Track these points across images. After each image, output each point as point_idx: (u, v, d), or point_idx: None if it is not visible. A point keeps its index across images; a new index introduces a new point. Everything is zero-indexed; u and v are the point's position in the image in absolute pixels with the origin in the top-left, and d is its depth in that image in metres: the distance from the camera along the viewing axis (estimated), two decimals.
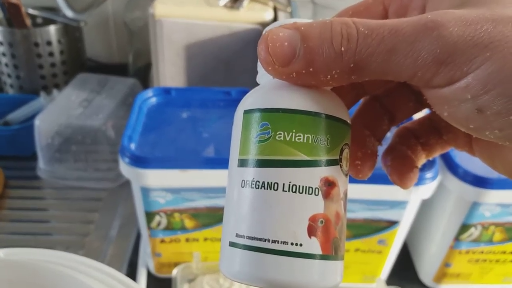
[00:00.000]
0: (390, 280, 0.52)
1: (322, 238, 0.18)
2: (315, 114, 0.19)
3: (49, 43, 0.70)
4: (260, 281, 0.18)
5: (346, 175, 0.20)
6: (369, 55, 0.17)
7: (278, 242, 0.18)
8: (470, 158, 0.45)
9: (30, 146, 0.65)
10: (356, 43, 0.17)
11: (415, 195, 0.42)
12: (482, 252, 0.48)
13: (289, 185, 0.18)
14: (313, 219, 0.18)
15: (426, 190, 0.42)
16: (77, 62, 0.76)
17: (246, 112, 0.20)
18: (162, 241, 0.47)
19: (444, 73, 0.17)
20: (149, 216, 0.45)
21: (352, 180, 0.41)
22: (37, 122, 0.60)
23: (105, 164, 0.63)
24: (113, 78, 0.69)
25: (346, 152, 0.20)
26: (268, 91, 0.21)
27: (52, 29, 0.70)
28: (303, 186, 0.18)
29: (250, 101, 0.21)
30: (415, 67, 0.17)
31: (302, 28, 0.18)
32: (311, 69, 0.18)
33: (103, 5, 0.78)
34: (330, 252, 0.18)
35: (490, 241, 0.47)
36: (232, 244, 0.19)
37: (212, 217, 0.45)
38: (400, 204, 0.43)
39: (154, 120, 0.48)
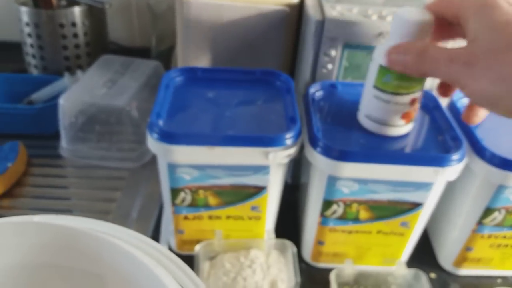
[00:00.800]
0: (409, 263, 0.51)
1: None
2: None
3: (73, 24, 0.71)
4: None
5: None
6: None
7: None
8: (497, 140, 0.45)
9: (53, 125, 0.66)
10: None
11: (441, 176, 0.42)
12: (505, 237, 0.48)
13: None
14: None
15: (452, 172, 0.42)
16: (100, 44, 0.76)
17: None
18: (186, 218, 0.48)
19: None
20: (174, 192, 0.45)
21: (378, 161, 0.41)
22: (61, 101, 0.60)
23: (128, 144, 0.63)
24: (137, 60, 0.69)
25: None
26: None
27: (77, 10, 0.70)
28: None
29: None
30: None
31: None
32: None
33: None
34: None
35: None
36: None
37: (235, 195, 0.46)
38: (425, 186, 0.43)
39: (181, 99, 0.48)
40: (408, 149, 0.44)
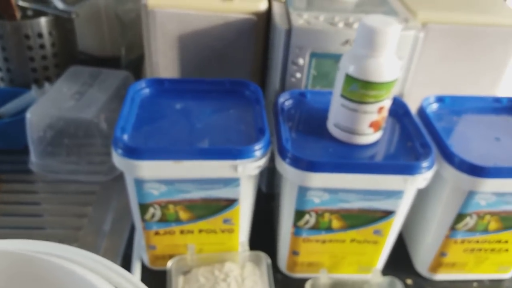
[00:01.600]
0: (385, 270, 0.52)
1: None
2: None
3: (40, 35, 0.69)
4: None
5: None
6: None
7: None
8: (467, 147, 0.45)
9: (22, 139, 0.64)
10: None
11: (411, 184, 0.42)
12: (478, 242, 0.48)
13: None
14: None
15: (422, 179, 0.42)
16: (68, 55, 0.75)
17: None
18: (157, 233, 0.47)
19: None
20: (143, 208, 0.44)
21: (347, 170, 0.40)
22: (28, 115, 0.59)
23: (98, 157, 0.62)
24: (106, 71, 0.68)
25: None
26: None
27: (43, 21, 0.69)
28: None
29: None
30: None
31: None
32: None
33: None
34: None
35: (486, 230, 0.47)
36: None
37: (206, 208, 0.45)
38: (396, 194, 0.43)
39: (147, 112, 0.47)
40: (377, 158, 0.44)
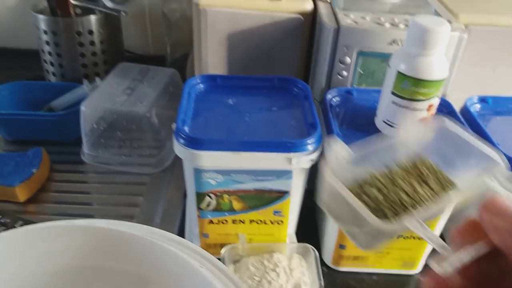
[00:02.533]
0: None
1: None
2: None
3: (90, 32, 0.73)
4: None
5: None
6: None
7: None
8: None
9: (74, 132, 0.68)
10: None
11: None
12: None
13: None
14: None
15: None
16: (116, 52, 0.78)
17: None
18: (210, 222, 0.49)
19: None
20: (200, 197, 0.47)
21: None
22: (82, 107, 0.62)
23: (148, 150, 0.65)
24: (153, 67, 0.71)
25: None
26: None
27: (93, 18, 0.72)
28: None
29: None
30: None
31: None
32: None
33: None
34: None
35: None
36: None
37: (259, 199, 0.47)
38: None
39: (203, 106, 0.50)
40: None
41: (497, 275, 0.23)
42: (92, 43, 0.73)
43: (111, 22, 0.75)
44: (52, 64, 0.75)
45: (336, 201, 0.27)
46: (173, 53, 0.77)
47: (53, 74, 0.76)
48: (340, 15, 0.53)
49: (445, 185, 0.29)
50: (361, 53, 0.52)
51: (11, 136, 0.70)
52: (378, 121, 0.48)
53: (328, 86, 0.55)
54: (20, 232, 0.33)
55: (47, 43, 0.73)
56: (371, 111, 0.50)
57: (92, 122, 0.64)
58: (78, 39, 0.72)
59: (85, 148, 0.65)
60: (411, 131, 0.30)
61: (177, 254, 0.28)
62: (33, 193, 0.60)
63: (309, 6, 0.57)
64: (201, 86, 0.53)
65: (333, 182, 0.25)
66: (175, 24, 0.75)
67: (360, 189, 0.28)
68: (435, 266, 0.22)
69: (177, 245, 0.31)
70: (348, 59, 0.52)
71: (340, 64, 0.53)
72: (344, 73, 0.53)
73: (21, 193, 0.59)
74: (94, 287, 0.31)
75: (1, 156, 0.63)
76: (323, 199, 0.27)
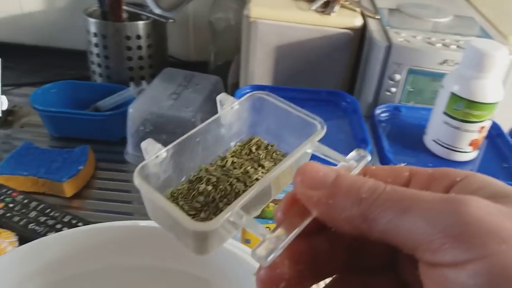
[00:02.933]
0: None
1: None
2: None
3: (138, 37, 0.75)
4: None
5: None
6: (384, 209, 0.17)
7: None
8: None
9: (119, 132, 0.70)
10: (377, 196, 0.18)
11: None
12: None
13: None
14: None
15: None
16: (160, 57, 0.80)
17: None
18: None
19: (451, 249, 0.16)
20: None
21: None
22: (130, 109, 0.64)
23: None
24: (198, 74, 0.72)
25: None
26: None
27: (141, 24, 0.74)
28: None
29: None
30: (424, 233, 0.16)
31: (342, 172, 0.19)
32: (330, 202, 0.19)
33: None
34: None
35: None
36: None
37: None
38: None
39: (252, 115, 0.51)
40: None
41: (329, 249, 0.21)
42: (139, 47, 0.75)
43: (157, 28, 0.77)
44: (99, 65, 0.77)
45: (157, 210, 0.23)
46: (216, 61, 0.79)
47: (100, 75, 0.78)
48: (392, 33, 0.54)
49: (279, 160, 0.27)
50: (411, 71, 0.52)
51: (57, 132, 0.72)
52: (428, 140, 0.48)
53: (376, 101, 0.56)
54: (83, 231, 0.34)
55: (96, 45, 0.75)
56: (419, 129, 0.50)
57: (138, 124, 0.66)
58: (126, 43, 0.74)
59: (130, 148, 0.67)
60: (226, 107, 0.26)
61: (239, 255, 0.28)
62: (79, 189, 0.62)
63: (358, 22, 0.58)
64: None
65: (141, 189, 0.22)
66: (220, 32, 0.76)
67: (191, 187, 0.25)
68: (253, 256, 0.19)
69: (234, 247, 0.32)
70: (397, 76, 0.53)
71: (389, 81, 0.53)
72: (393, 89, 0.54)
73: (68, 189, 0.60)
74: (152, 287, 0.32)
75: (49, 152, 0.65)
76: (148, 210, 0.24)
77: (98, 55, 0.76)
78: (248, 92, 0.54)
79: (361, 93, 0.58)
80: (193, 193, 0.24)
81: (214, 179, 0.25)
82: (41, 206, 0.57)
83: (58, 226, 0.55)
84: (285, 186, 0.26)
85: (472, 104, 0.43)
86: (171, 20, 0.75)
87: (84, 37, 0.78)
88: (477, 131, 0.45)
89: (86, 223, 0.58)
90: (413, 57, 0.52)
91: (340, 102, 0.54)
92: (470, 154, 0.46)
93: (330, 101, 0.54)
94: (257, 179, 0.25)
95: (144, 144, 0.23)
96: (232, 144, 0.27)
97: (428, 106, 0.54)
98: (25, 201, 0.58)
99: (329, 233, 0.20)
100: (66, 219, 0.55)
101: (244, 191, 0.24)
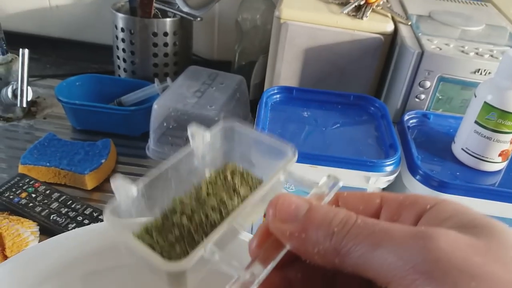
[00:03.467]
0: None
1: None
2: None
3: (165, 34, 0.75)
4: None
5: None
6: (355, 244, 0.17)
7: None
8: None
9: (141, 127, 0.70)
10: (349, 229, 0.18)
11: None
12: None
13: None
14: None
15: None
16: (185, 55, 0.80)
17: None
18: None
19: (422, 286, 0.16)
20: None
21: (477, 195, 0.41)
22: (155, 105, 0.64)
23: None
24: (222, 73, 0.72)
25: None
26: None
27: (169, 21, 0.75)
28: None
29: None
30: (396, 269, 0.16)
31: (313, 204, 0.20)
32: (303, 235, 0.19)
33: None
34: None
35: None
36: None
37: None
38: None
39: (278, 115, 0.51)
40: (506, 187, 0.45)
41: (304, 279, 0.21)
42: (166, 44, 0.76)
43: (184, 26, 0.77)
44: (124, 60, 0.77)
45: (129, 249, 0.22)
46: (239, 60, 0.79)
47: (124, 70, 0.79)
48: (424, 40, 0.53)
49: (255, 186, 0.26)
50: (442, 79, 0.52)
51: (80, 125, 0.72)
52: (456, 148, 0.47)
53: (403, 107, 0.55)
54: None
55: (123, 40, 0.76)
56: (447, 137, 0.50)
57: (161, 120, 0.66)
58: (153, 40, 0.75)
59: (152, 144, 0.67)
60: (197, 139, 0.26)
61: None
62: (100, 182, 0.63)
63: (389, 27, 0.57)
64: (278, 96, 0.54)
65: (112, 229, 0.21)
66: (246, 33, 0.76)
67: (165, 220, 0.24)
68: None
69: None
70: (428, 83, 0.52)
71: (419, 88, 0.53)
72: (422, 96, 0.53)
73: (90, 181, 0.61)
74: None
75: (72, 144, 0.66)
76: (122, 248, 0.23)
77: (124, 50, 0.77)
78: (276, 93, 0.54)
79: (389, 98, 0.58)
80: (167, 226, 0.24)
81: (188, 210, 0.24)
82: (63, 197, 0.57)
83: (79, 218, 0.55)
84: (258, 216, 0.26)
85: (506, 114, 0.42)
86: (198, 19, 0.75)
87: (110, 31, 0.79)
88: (508, 142, 0.44)
89: None
90: (445, 65, 0.51)
91: (368, 107, 0.53)
92: (499, 165, 0.45)
93: (358, 105, 0.53)
94: (233, 207, 0.24)
95: (114, 184, 0.23)
96: (207, 172, 0.27)
97: (456, 115, 0.53)
98: (47, 191, 0.58)
99: (303, 263, 0.20)
100: (87, 212, 0.56)
101: (219, 221, 0.24)
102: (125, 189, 0.23)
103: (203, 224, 0.24)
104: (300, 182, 0.25)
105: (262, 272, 0.19)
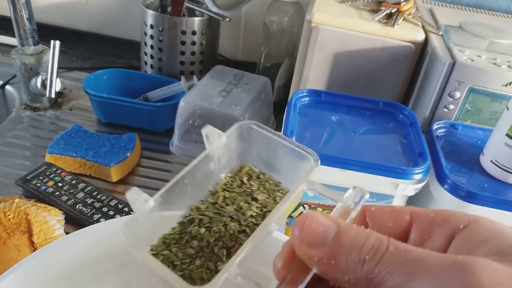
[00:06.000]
0: None
1: None
2: None
3: (193, 32, 0.76)
4: None
5: None
6: (388, 273, 0.17)
7: None
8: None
9: (165, 123, 0.71)
10: (381, 257, 0.17)
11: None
12: None
13: None
14: None
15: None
16: (211, 54, 0.81)
17: None
18: None
19: None
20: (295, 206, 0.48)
21: (506, 208, 0.41)
22: (181, 103, 0.65)
23: None
24: (247, 74, 0.73)
25: None
26: None
27: (198, 20, 0.75)
28: None
29: None
30: None
31: (342, 225, 0.18)
32: (332, 262, 0.18)
33: None
34: None
35: None
36: None
37: None
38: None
39: (306, 119, 0.51)
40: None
41: None
42: (193, 43, 0.76)
43: (212, 25, 0.78)
44: (152, 57, 0.78)
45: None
46: (264, 62, 0.79)
47: (151, 66, 0.79)
48: (456, 50, 0.53)
49: (273, 190, 0.26)
50: (472, 90, 0.52)
51: (105, 118, 0.73)
52: (485, 160, 0.47)
53: (432, 117, 0.55)
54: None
55: (151, 37, 0.77)
56: (475, 148, 0.50)
57: (186, 117, 0.66)
58: (181, 38, 0.75)
59: (176, 140, 0.68)
60: (213, 140, 0.26)
61: None
62: (124, 175, 0.63)
63: (420, 36, 0.57)
64: (306, 99, 0.54)
65: (132, 250, 0.21)
66: (273, 35, 0.77)
67: (183, 230, 0.23)
68: None
69: None
70: (458, 94, 0.52)
71: (449, 98, 0.53)
72: (451, 106, 0.53)
73: (115, 174, 0.62)
74: None
75: (98, 136, 0.67)
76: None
77: (152, 46, 0.78)
78: (304, 96, 0.54)
79: (417, 107, 0.58)
80: (186, 237, 0.23)
81: (206, 220, 0.24)
82: (89, 188, 0.58)
83: (105, 209, 0.56)
84: (280, 224, 0.25)
85: None
86: (227, 19, 0.76)
87: (137, 27, 0.80)
88: None
89: (132, 208, 0.59)
90: (476, 76, 0.51)
91: (397, 114, 0.53)
92: None
93: (387, 112, 0.54)
94: (251, 216, 0.24)
95: (130, 197, 0.23)
96: (222, 176, 0.26)
97: (485, 126, 0.53)
98: (73, 181, 0.59)
99: (324, 283, 0.19)
100: (112, 203, 0.56)
101: (239, 231, 0.23)
102: (141, 201, 0.23)
103: (222, 235, 0.23)
104: (323, 194, 0.24)
105: None
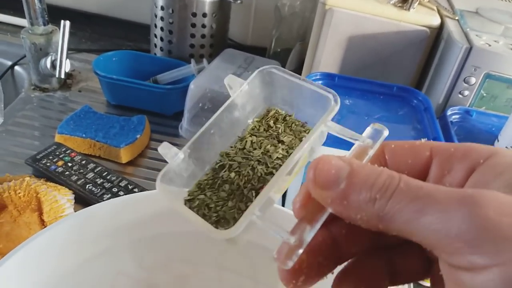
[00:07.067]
0: None
1: None
2: None
3: (204, 15, 0.75)
4: None
5: None
6: (398, 210, 0.17)
7: None
8: None
9: (175, 106, 0.70)
10: (391, 195, 0.17)
11: None
12: None
13: None
14: None
15: None
16: (222, 37, 0.80)
17: None
18: None
19: (467, 254, 0.15)
20: None
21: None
22: (191, 85, 0.64)
23: None
24: (258, 58, 0.72)
25: None
26: None
27: (209, 2, 0.75)
28: None
29: None
30: (440, 237, 0.16)
31: (354, 165, 0.18)
32: (345, 202, 0.18)
33: None
34: None
35: None
36: None
37: None
38: None
39: None
40: None
41: (349, 234, 0.20)
42: (204, 25, 0.76)
43: (223, 8, 0.77)
44: (162, 39, 0.78)
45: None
46: (275, 46, 0.79)
47: (161, 49, 0.79)
48: (472, 35, 0.52)
49: (299, 131, 0.26)
50: (488, 76, 0.51)
51: (115, 100, 0.73)
52: (500, 146, 0.47)
53: (446, 102, 0.54)
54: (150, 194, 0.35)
55: (162, 19, 0.76)
56: (489, 135, 0.49)
57: (196, 100, 0.66)
58: (191, 20, 0.75)
59: (185, 123, 0.67)
60: (235, 89, 0.26)
61: None
62: (133, 157, 0.63)
63: (436, 21, 0.56)
64: (319, 82, 0.54)
65: (165, 199, 0.22)
66: (284, 19, 0.76)
67: (216, 176, 0.25)
68: (275, 260, 0.19)
69: None
70: (473, 79, 0.52)
71: (464, 83, 0.52)
72: (466, 92, 0.53)
73: (125, 155, 0.61)
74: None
75: (107, 118, 0.66)
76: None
77: (162, 28, 0.77)
78: (318, 79, 0.53)
79: (431, 92, 0.57)
80: (218, 182, 0.24)
81: (236, 165, 0.25)
82: (98, 168, 0.58)
83: (115, 189, 0.56)
84: (301, 169, 0.26)
85: None
86: (238, 1, 0.75)
87: (146, 10, 0.79)
88: None
89: (142, 189, 0.58)
90: (493, 62, 0.50)
91: (411, 99, 0.52)
92: None
93: (401, 97, 0.53)
94: (277, 158, 0.25)
95: (161, 150, 0.24)
96: (250, 121, 0.27)
97: (500, 113, 0.52)
98: (83, 162, 0.59)
99: (342, 221, 0.20)
100: (122, 184, 0.56)
101: (266, 173, 0.24)
102: (172, 154, 0.24)
103: (250, 178, 0.24)
104: (342, 134, 0.24)
105: (309, 235, 0.19)
